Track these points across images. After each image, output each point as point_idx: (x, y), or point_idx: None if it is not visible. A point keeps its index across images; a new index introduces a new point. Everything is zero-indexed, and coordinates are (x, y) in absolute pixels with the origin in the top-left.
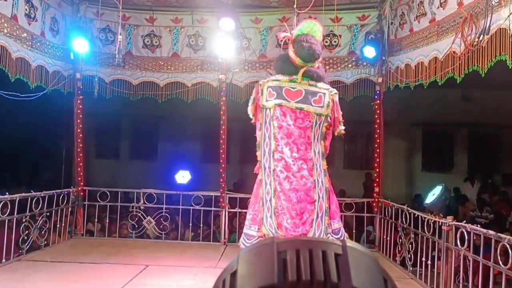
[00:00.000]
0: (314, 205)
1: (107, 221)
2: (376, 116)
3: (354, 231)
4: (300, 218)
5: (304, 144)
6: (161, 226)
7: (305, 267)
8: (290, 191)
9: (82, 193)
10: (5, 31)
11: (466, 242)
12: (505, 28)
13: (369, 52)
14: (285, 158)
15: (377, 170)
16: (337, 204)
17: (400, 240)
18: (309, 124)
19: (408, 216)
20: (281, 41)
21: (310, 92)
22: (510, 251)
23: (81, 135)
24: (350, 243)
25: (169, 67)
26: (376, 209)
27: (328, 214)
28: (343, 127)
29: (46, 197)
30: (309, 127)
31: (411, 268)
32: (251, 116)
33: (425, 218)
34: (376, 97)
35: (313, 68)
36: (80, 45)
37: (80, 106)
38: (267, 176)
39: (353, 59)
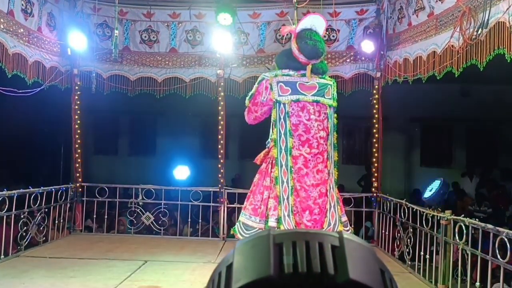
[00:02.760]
0: (327, 195)
1: (106, 217)
2: (375, 111)
3: (352, 226)
4: (319, 212)
5: (323, 137)
6: (159, 222)
7: (301, 259)
8: (311, 187)
9: (80, 189)
10: (1, 26)
11: (464, 236)
12: (503, 22)
13: (368, 46)
14: (303, 155)
15: (376, 165)
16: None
17: (399, 234)
18: (325, 116)
19: (406, 211)
20: (284, 36)
21: (322, 84)
22: (508, 244)
23: (79, 131)
24: (347, 235)
25: (167, 62)
26: (374, 204)
27: (340, 204)
28: None
29: (45, 193)
30: (326, 119)
31: (409, 263)
32: (246, 102)
33: (423, 212)
34: (374, 91)
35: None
36: (77, 41)
37: (78, 102)
38: (283, 173)
39: (352, 53)
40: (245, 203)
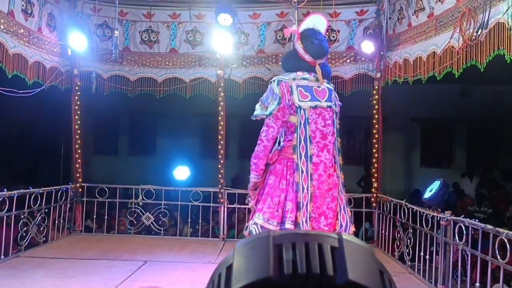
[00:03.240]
0: (337, 198)
1: (106, 217)
2: (375, 111)
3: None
4: (333, 216)
5: (332, 142)
6: (160, 222)
7: (301, 260)
8: (325, 192)
9: (80, 190)
10: (2, 27)
11: (464, 237)
12: (503, 23)
13: (368, 47)
14: (323, 161)
15: (376, 165)
16: None
17: (399, 235)
18: (332, 122)
19: (406, 211)
20: (286, 36)
21: (330, 90)
22: (508, 245)
23: (79, 131)
24: (346, 236)
25: (167, 63)
26: (374, 204)
27: (348, 205)
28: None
29: (45, 193)
30: (332, 124)
31: (409, 263)
32: (266, 113)
33: (423, 213)
34: (374, 92)
35: (322, 65)
36: (78, 41)
37: (78, 102)
38: (304, 180)
39: (351, 54)
40: (260, 205)
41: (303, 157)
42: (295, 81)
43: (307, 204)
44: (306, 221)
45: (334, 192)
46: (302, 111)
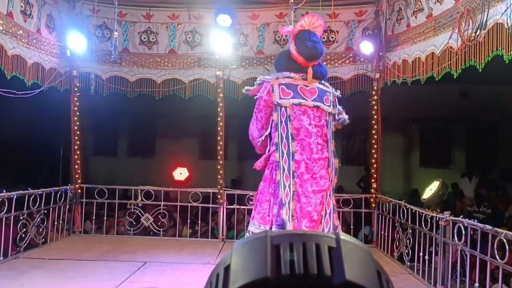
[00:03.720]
0: (323, 202)
1: (105, 218)
2: (374, 112)
3: (352, 227)
4: (317, 219)
5: (322, 143)
6: (159, 223)
7: (298, 261)
8: (312, 193)
9: (79, 191)
10: (1, 28)
11: (463, 237)
12: (501, 23)
13: (366, 47)
14: (305, 160)
15: (375, 166)
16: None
17: (398, 235)
18: (325, 123)
19: (405, 212)
20: (284, 36)
21: (321, 90)
22: (507, 245)
23: (78, 133)
24: (344, 236)
25: (166, 63)
26: (374, 205)
27: (335, 211)
28: (346, 116)
29: (44, 194)
30: (325, 125)
31: (408, 264)
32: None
33: (422, 213)
34: (373, 92)
35: (316, 66)
36: (77, 42)
37: (77, 103)
38: (285, 177)
39: (351, 55)
40: (252, 212)
41: (285, 155)
42: (277, 80)
43: (289, 202)
44: (288, 219)
45: (323, 195)
46: (282, 108)
